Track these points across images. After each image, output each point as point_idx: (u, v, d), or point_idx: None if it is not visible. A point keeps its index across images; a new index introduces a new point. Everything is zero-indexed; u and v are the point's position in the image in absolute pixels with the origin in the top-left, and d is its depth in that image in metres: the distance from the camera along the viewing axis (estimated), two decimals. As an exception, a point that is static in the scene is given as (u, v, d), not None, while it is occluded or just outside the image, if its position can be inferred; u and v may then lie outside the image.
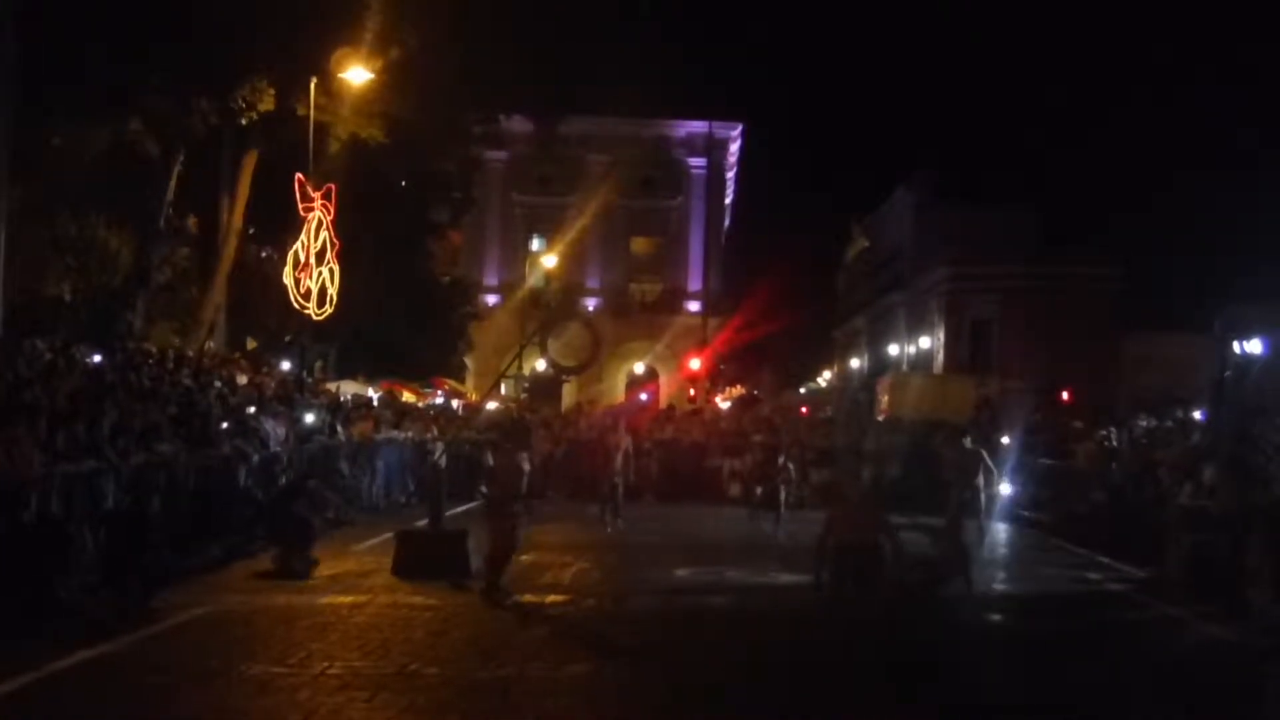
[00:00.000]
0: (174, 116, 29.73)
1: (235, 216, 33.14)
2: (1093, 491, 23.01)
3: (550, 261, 57.63)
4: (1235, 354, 28.78)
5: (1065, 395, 45.23)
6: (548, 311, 54.88)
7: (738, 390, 77.61)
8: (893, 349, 68.68)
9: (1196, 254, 47.91)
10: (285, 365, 34.73)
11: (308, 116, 28.79)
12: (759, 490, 22.78)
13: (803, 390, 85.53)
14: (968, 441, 21.50)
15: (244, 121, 30.61)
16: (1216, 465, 18.05)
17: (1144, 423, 29.30)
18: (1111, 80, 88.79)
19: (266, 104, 29.73)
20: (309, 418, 24.45)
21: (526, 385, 52.74)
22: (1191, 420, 28.96)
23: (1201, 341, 44.33)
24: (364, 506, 24.66)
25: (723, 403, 62.41)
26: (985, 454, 21.03)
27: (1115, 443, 25.70)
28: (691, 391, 53.95)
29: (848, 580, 11.38)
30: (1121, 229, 56.83)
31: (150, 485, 15.93)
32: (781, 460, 24.00)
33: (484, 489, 28.65)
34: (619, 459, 22.90)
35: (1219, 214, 46.86)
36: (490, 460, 18.56)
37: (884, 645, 12.22)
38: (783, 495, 22.55)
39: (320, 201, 28.48)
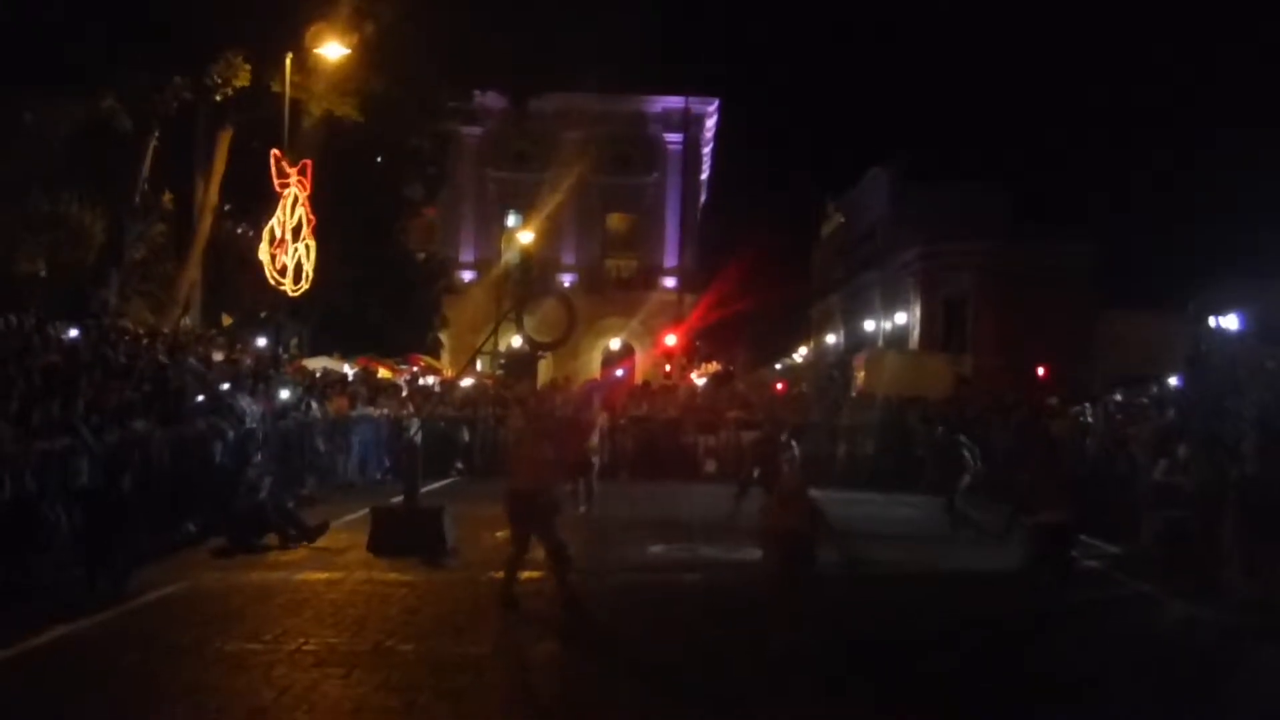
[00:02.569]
0: (148, 92, 29.55)
1: (210, 193, 33.02)
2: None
3: (526, 238, 57.57)
4: (1210, 330, 28.91)
5: (1041, 372, 45.38)
6: (523, 288, 54.79)
7: (713, 366, 77.67)
8: (868, 326, 68.87)
9: (1172, 231, 48.16)
10: (261, 342, 34.63)
11: (283, 93, 28.70)
12: (755, 472, 22.28)
13: (778, 366, 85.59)
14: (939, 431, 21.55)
15: (219, 98, 30.45)
16: (1190, 442, 18.15)
17: (1118, 399, 29.37)
18: (1086, 57, 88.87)
19: (242, 80, 29.58)
20: (284, 394, 24.40)
21: (502, 361, 52.71)
22: (1166, 397, 29.06)
23: (1176, 319, 44.48)
24: (339, 483, 24.66)
25: (698, 379, 62.46)
26: (963, 438, 21.05)
27: (1090, 419, 25.78)
28: (667, 368, 54.02)
29: (783, 566, 11.29)
30: (1096, 206, 57.05)
31: (125, 462, 15.85)
32: (785, 438, 23.79)
33: (460, 465, 28.90)
34: (595, 437, 22.67)
35: (1194, 192, 47.10)
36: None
37: (853, 625, 12.26)
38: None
39: (296, 177, 28.45)
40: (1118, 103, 75.17)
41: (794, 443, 22.01)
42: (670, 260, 64.89)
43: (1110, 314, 52.46)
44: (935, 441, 21.52)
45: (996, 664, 11.06)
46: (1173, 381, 33.21)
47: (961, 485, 20.42)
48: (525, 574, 13.02)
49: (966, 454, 20.54)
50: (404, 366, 41.40)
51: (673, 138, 65.02)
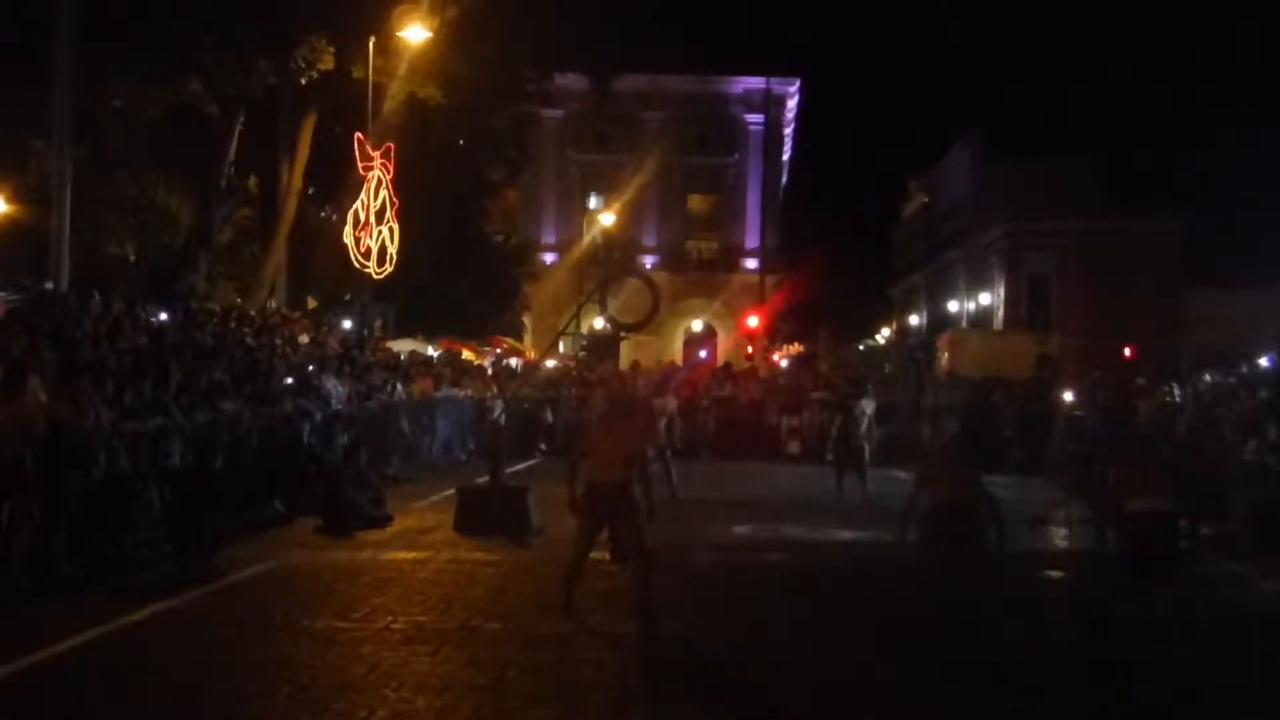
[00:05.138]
0: (233, 77, 29.86)
1: (295, 176, 33.29)
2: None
3: (607, 219, 57.62)
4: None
5: (1127, 352, 44.88)
6: (606, 269, 54.90)
7: (795, 348, 77.49)
8: (952, 305, 68.42)
9: (1262, 206, 47.25)
10: (346, 324, 34.94)
11: (366, 77, 28.87)
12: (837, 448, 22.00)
13: (860, 348, 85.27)
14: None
15: (303, 82, 30.70)
16: (1281, 421, 17.94)
17: (1208, 378, 29.01)
18: (1172, 28, 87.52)
19: (325, 64, 29.79)
20: (369, 376, 24.61)
21: (584, 343, 52.88)
22: (1256, 376, 28.67)
23: (1267, 296, 43.90)
24: (424, 464, 24.82)
25: (780, 360, 62.34)
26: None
27: (1178, 399, 25.47)
28: (749, 349, 53.91)
29: (941, 541, 11.15)
30: (1184, 181, 56.11)
31: (214, 443, 16.09)
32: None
33: (543, 446, 29.03)
34: (663, 424, 22.36)
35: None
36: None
37: (942, 603, 12.21)
38: (867, 455, 21.95)
39: (380, 161, 28.65)
40: (1204, 74, 73.99)
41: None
42: (751, 241, 64.68)
43: (1199, 291, 51.85)
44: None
45: (1084, 639, 10.98)
46: (1263, 361, 32.76)
47: None
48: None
49: None
50: (487, 348, 41.63)
51: (754, 118, 64.76)
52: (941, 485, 11.54)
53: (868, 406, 22.61)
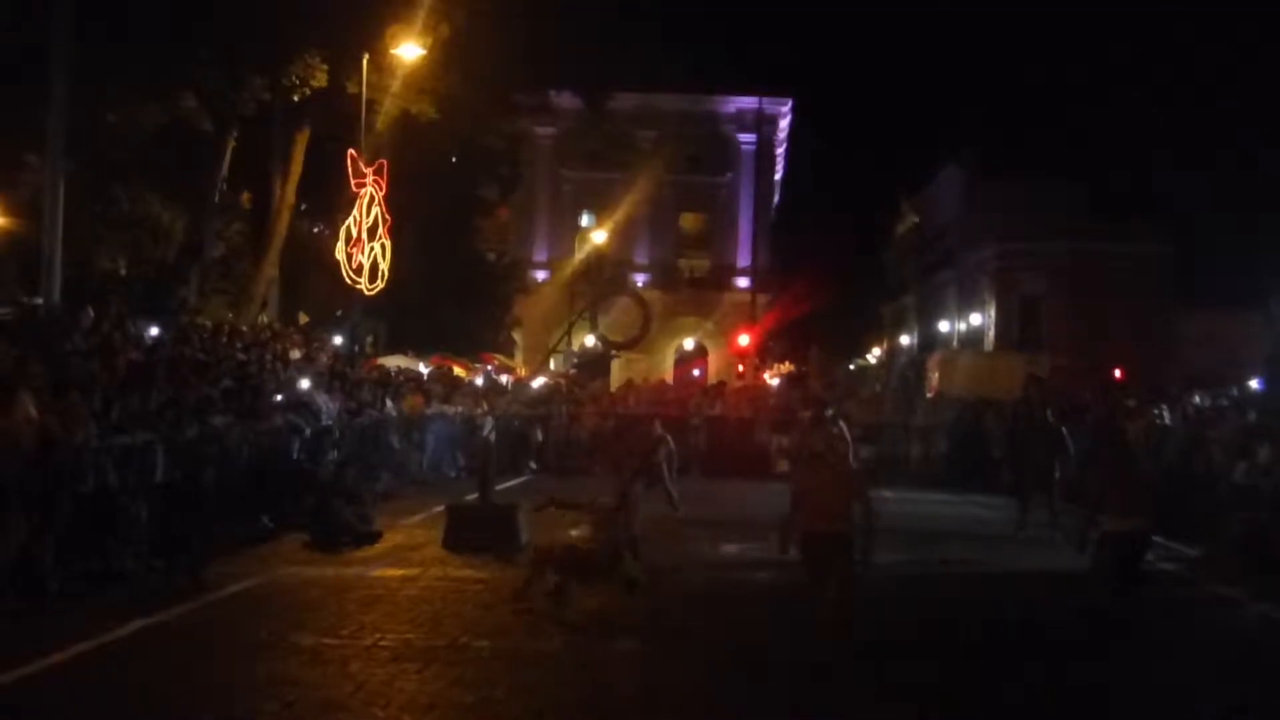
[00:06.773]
0: (227, 93, 29.87)
1: (288, 192, 33.29)
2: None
3: (600, 237, 57.66)
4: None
5: (1117, 373, 44.94)
6: (598, 287, 54.93)
7: (786, 367, 77.49)
8: (943, 326, 68.41)
9: (1253, 229, 47.35)
10: (337, 340, 34.90)
11: (359, 93, 28.90)
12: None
13: (851, 367, 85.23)
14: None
15: (296, 98, 30.73)
16: (1271, 443, 17.96)
17: (1197, 400, 29.06)
18: (1166, 51, 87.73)
19: (319, 80, 29.82)
20: (360, 392, 24.58)
21: (576, 360, 52.88)
22: (1246, 398, 28.73)
23: (1256, 318, 43.98)
24: (414, 480, 24.78)
25: (771, 379, 62.30)
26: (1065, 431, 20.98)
27: (1167, 420, 25.52)
28: (740, 368, 53.93)
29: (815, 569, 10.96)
30: (1175, 203, 56.30)
31: (203, 457, 16.03)
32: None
33: (533, 464, 29.01)
34: (661, 455, 21.90)
35: (1274, 187, 46.30)
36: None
37: (930, 623, 12.22)
38: None
39: (372, 177, 28.66)
40: (1197, 97, 74.28)
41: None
42: (743, 260, 64.70)
43: (1189, 313, 51.93)
44: (1043, 425, 21.37)
45: (1073, 662, 10.98)
46: (1253, 383, 32.84)
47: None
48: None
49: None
50: (478, 365, 41.60)
51: (746, 138, 64.85)
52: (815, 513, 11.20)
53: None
